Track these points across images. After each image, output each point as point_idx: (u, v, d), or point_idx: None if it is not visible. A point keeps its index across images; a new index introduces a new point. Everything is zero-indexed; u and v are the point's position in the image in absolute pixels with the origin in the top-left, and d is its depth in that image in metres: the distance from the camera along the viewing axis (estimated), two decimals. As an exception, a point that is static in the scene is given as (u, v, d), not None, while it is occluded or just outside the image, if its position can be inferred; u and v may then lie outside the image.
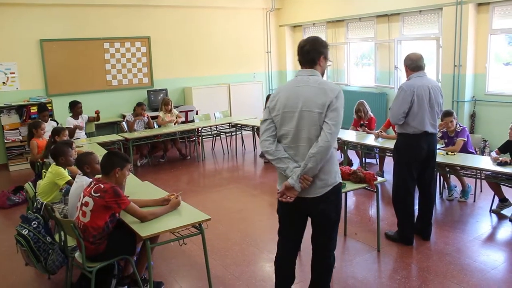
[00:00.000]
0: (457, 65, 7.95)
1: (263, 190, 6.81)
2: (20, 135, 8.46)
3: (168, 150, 8.77)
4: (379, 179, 4.45)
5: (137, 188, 4.44)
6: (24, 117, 8.50)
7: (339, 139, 7.09)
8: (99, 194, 3.32)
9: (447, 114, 5.95)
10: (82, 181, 3.86)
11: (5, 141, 8.45)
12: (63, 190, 4.73)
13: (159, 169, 8.20)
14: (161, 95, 9.85)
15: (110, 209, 3.34)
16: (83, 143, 7.19)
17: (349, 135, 7.10)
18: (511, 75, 8.09)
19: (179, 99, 10.44)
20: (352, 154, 7.88)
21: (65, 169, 4.68)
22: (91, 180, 3.82)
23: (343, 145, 6.98)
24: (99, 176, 3.62)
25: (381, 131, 6.64)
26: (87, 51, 9.26)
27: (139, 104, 8.37)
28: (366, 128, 7.48)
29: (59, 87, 9.01)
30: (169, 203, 3.74)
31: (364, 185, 4.28)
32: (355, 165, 7.63)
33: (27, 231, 3.58)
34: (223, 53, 11.02)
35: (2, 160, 8.66)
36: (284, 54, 11.93)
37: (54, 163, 4.65)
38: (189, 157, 9.00)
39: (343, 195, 3.42)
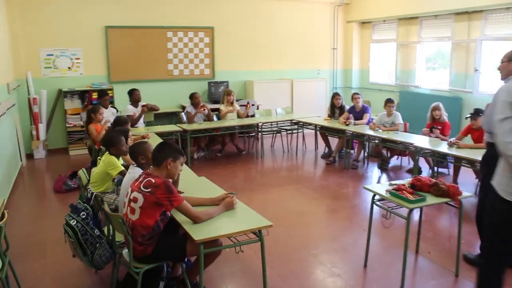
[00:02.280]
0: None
1: (324, 194, 6.35)
2: (81, 120, 8.44)
3: (226, 144, 8.48)
4: (464, 193, 3.89)
5: (192, 183, 4.12)
6: (86, 103, 8.49)
7: (410, 144, 6.53)
8: (149, 189, 3.01)
9: None
10: (135, 173, 3.57)
11: (67, 125, 8.46)
12: (116, 180, 4.50)
13: (215, 164, 7.92)
14: (222, 87, 9.58)
15: (161, 207, 3.02)
16: (141, 132, 7.01)
17: (421, 141, 6.50)
18: None
19: (240, 92, 10.13)
20: (420, 162, 7.27)
21: (118, 159, 4.44)
22: (144, 172, 3.53)
23: (415, 152, 6.41)
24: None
25: (457, 140, 6.00)
26: (150, 39, 9.14)
27: (193, 94, 8.11)
28: (439, 133, 6.83)
29: (121, 74, 8.94)
30: (222, 203, 3.39)
31: (446, 199, 3.74)
32: (424, 174, 7.02)
33: (75, 221, 3.34)
34: (287, 48, 10.61)
35: (63, 144, 8.69)
36: (351, 51, 11.35)
37: (107, 152, 4.43)
38: (244, 151, 8.67)
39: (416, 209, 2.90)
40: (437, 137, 6.76)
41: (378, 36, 10.91)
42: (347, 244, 4.61)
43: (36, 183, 7.14)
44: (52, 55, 8.47)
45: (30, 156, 8.25)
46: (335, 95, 8.34)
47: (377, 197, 3.96)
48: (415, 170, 6.64)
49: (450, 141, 6.03)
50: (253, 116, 8.97)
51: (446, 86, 9.16)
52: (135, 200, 3.05)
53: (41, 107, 8.26)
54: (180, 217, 3.16)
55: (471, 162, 5.56)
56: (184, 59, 9.49)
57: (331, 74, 11.38)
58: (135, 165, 3.71)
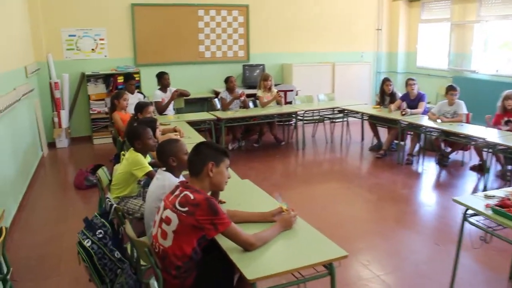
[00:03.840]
0: None
1: (380, 195, 5.51)
2: (105, 106, 7.77)
3: (264, 134, 7.69)
4: None
5: (233, 188, 3.31)
6: (111, 87, 7.80)
7: (479, 138, 5.61)
8: (186, 208, 2.25)
9: None
10: (165, 180, 2.82)
11: (91, 112, 7.80)
12: (142, 182, 3.77)
13: (252, 156, 7.14)
14: (258, 71, 8.77)
15: (202, 231, 2.26)
16: (170, 120, 6.28)
17: (491, 134, 5.58)
18: None
19: (277, 77, 9.26)
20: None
21: (145, 156, 3.70)
22: (176, 181, 2.77)
23: (487, 148, 5.50)
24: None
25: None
26: (180, 19, 8.35)
27: (228, 78, 7.31)
28: (514, 126, 5.90)
29: (148, 56, 8.20)
30: (278, 221, 2.62)
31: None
32: (492, 173, 6.10)
33: (90, 242, 2.62)
34: (328, 28, 9.68)
35: (86, 131, 8.06)
36: (397, 32, 10.33)
37: (132, 148, 3.69)
38: (283, 142, 7.86)
39: None
40: (510, 130, 5.83)
41: (428, 15, 9.87)
42: (421, 263, 3.78)
43: (56, 177, 6.50)
44: (74, 35, 7.78)
45: (51, 145, 7.63)
46: (385, 81, 7.43)
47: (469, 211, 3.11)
48: (485, 169, 5.72)
49: None
50: (290, 102, 8.13)
51: (510, 71, 8.13)
52: (167, 221, 2.29)
53: (63, 92, 7.62)
54: (224, 241, 2.39)
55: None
56: (217, 40, 8.68)
57: (375, 58, 10.41)
58: (164, 169, 2.95)
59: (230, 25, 8.73)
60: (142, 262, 2.67)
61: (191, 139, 5.15)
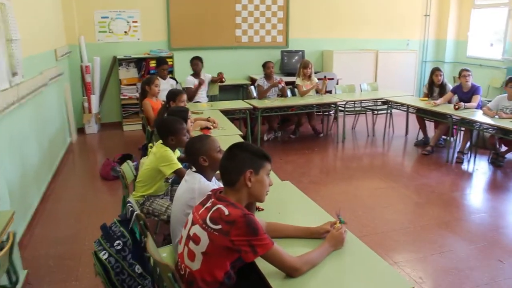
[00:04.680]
0: None
1: (430, 198, 5.00)
2: (137, 91, 7.46)
3: (302, 125, 7.24)
4: None
5: (272, 192, 2.84)
6: (143, 72, 7.49)
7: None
8: (220, 226, 1.85)
9: None
10: (194, 183, 2.44)
11: (121, 97, 7.51)
12: (170, 180, 3.41)
13: (289, 148, 6.71)
14: (296, 57, 8.29)
15: (237, 253, 1.86)
16: (203, 108, 5.90)
17: None
18: None
19: (317, 64, 8.77)
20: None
21: (174, 151, 3.33)
22: (208, 184, 2.40)
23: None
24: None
25: None
26: (217, 1, 7.92)
27: (266, 63, 6.87)
28: None
29: (182, 40, 7.83)
30: (327, 238, 2.20)
31: None
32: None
33: (107, 254, 2.27)
34: (371, 13, 9.08)
35: (117, 117, 7.79)
36: (447, 18, 9.62)
37: (161, 141, 3.32)
38: (322, 134, 7.40)
39: None
40: None
41: (483, 0, 9.13)
42: (482, 284, 3.30)
43: (84, 165, 6.24)
44: (107, 17, 7.48)
45: (81, 131, 7.40)
46: (435, 71, 6.83)
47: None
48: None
49: None
50: (330, 92, 7.63)
51: None
52: (196, 240, 1.90)
53: (94, 76, 7.34)
54: (263, 264, 1.99)
55: None
56: (254, 24, 8.23)
57: (421, 46, 9.75)
58: (194, 169, 2.57)
59: (269, 8, 8.25)
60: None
61: (225, 130, 4.77)
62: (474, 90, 6.44)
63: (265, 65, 6.81)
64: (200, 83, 6.53)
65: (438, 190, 5.28)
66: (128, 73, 7.51)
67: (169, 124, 3.30)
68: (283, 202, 2.87)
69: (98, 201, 4.76)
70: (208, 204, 1.97)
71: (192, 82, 6.61)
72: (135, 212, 2.37)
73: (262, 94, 6.76)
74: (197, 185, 2.43)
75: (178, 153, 3.43)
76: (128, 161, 3.51)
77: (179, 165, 3.18)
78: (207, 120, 4.87)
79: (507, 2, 8.45)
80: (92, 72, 7.29)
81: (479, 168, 5.99)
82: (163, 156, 3.18)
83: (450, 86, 6.81)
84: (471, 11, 9.32)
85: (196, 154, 2.53)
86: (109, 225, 2.42)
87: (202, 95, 6.77)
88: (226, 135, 4.52)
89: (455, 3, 9.51)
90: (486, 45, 9.34)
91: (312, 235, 2.29)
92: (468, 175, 5.80)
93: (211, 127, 4.75)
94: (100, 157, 6.38)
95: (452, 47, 9.77)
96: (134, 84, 7.52)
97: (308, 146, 6.84)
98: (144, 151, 4.49)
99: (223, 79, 6.90)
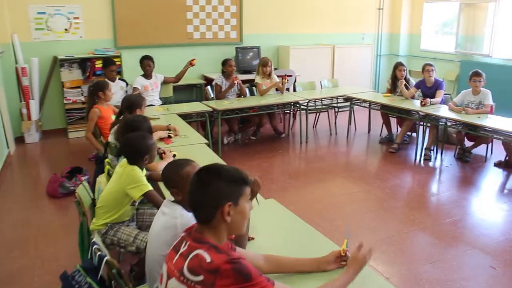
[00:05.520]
0: None
1: (408, 201, 4.81)
2: (82, 94, 6.81)
3: (263, 126, 6.86)
4: None
5: (257, 214, 2.33)
6: (88, 73, 6.83)
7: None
8: (201, 277, 1.45)
9: None
10: (176, 217, 2.02)
11: (65, 101, 6.82)
12: (136, 203, 2.94)
13: (251, 151, 6.30)
14: (252, 54, 7.90)
15: None
16: (159, 113, 5.39)
17: None
18: None
19: (272, 60, 8.35)
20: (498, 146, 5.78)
21: (143, 169, 2.86)
22: (192, 220, 1.96)
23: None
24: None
25: None
26: (166, -5, 7.37)
27: (226, 61, 6.44)
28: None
29: (130, 38, 7.21)
30: (349, 264, 1.87)
31: None
32: None
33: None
34: (326, 7, 8.82)
35: (60, 124, 7.08)
36: (400, 12, 9.54)
37: (125, 160, 2.84)
38: (284, 134, 7.05)
39: None
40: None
41: (435, -6, 9.10)
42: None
43: (26, 180, 5.52)
44: (44, 13, 6.74)
45: (20, 140, 6.64)
46: (398, 66, 6.64)
47: None
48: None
49: None
50: (287, 89, 7.27)
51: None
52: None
53: (32, 79, 6.61)
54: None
55: None
56: (207, 20, 7.74)
57: (376, 39, 9.62)
58: (172, 199, 2.12)
59: (222, 2, 7.78)
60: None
61: (188, 138, 4.30)
62: (437, 85, 6.32)
63: (225, 63, 6.38)
64: (233, 80, 6.30)
65: (414, 191, 5.09)
66: (71, 75, 6.82)
67: (138, 144, 2.81)
68: (274, 226, 2.50)
69: (47, 225, 4.14)
70: (184, 249, 1.56)
71: (140, 82, 6.09)
72: (105, 258, 1.89)
73: (220, 95, 6.32)
74: (179, 220, 2.00)
75: (145, 170, 2.94)
76: (84, 182, 2.98)
77: (149, 187, 2.71)
78: (167, 128, 4.37)
79: (459, -5, 8.45)
80: (30, 74, 6.56)
81: (449, 165, 5.86)
82: (131, 177, 2.70)
83: (413, 81, 6.65)
84: (423, 5, 9.27)
85: (176, 183, 2.10)
86: (71, 274, 1.93)
87: (154, 97, 6.25)
88: (190, 145, 4.08)
89: (407, -4, 9.46)
90: (439, 38, 9.35)
91: (320, 267, 1.93)
92: (439, 173, 5.65)
93: (172, 135, 4.27)
94: (44, 170, 5.73)
95: (406, 40, 9.72)
96: (79, 87, 6.85)
97: (271, 148, 6.47)
98: (99, 166, 3.96)
99: (193, 63, 6.51)
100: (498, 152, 5.93)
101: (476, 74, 5.77)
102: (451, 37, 8.94)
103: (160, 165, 3.24)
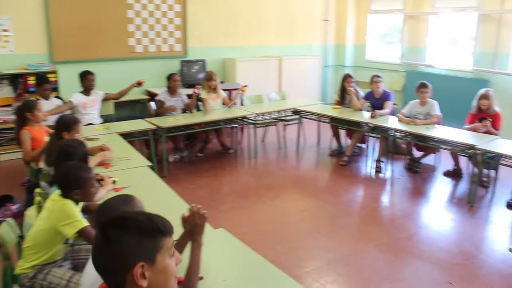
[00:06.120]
0: None
1: (361, 216, 4.72)
2: (14, 113, 6.28)
3: (210, 142, 6.60)
4: None
5: (207, 247, 2.07)
6: (20, 90, 6.33)
7: (469, 146, 4.95)
8: None
9: None
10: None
11: (-6, 121, 6.30)
12: (70, 241, 2.62)
13: (198, 169, 6.02)
14: (197, 67, 7.65)
15: None
16: (98, 132, 5.03)
17: (469, 137, 5.12)
18: None
19: (219, 73, 8.11)
20: (445, 155, 5.92)
21: (77, 204, 2.55)
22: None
23: (472, 154, 4.83)
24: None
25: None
26: (106, 7, 6.96)
27: (171, 76, 6.16)
28: (490, 127, 5.31)
29: (67, 52, 6.76)
30: (191, 232, 1.93)
31: None
32: (466, 177, 5.54)
33: None
34: (273, 19, 8.72)
35: (-10, 145, 6.52)
36: (345, 23, 9.61)
37: (58, 192, 2.52)
38: (232, 150, 6.82)
39: None
40: (487, 132, 5.26)
41: (378, 6, 9.22)
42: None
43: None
44: (-32, 25, 6.23)
45: None
46: (346, 77, 6.59)
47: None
48: (477, 177, 5.07)
49: None
50: (235, 103, 7.06)
51: (468, 66, 7.65)
52: None
53: (-44, 97, 6.07)
54: None
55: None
56: (150, 32, 7.41)
57: (323, 50, 9.62)
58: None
59: (165, 15, 7.49)
60: None
61: (129, 161, 3.99)
62: (386, 96, 6.32)
63: (170, 78, 6.09)
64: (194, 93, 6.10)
65: (367, 206, 5.00)
66: (1, 92, 6.31)
67: (70, 175, 2.49)
68: (225, 261, 2.28)
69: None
70: None
71: (78, 100, 5.72)
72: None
73: (161, 111, 6.01)
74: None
75: (80, 204, 2.63)
76: (9, 219, 2.63)
77: (84, 222, 2.41)
78: (100, 148, 4.00)
79: (401, 8, 8.57)
80: (-46, 92, 6.02)
81: (400, 177, 5.82)
82: (63, 212, 2.39)
83: (362, 93, 6.63)
84: (367, 16, 9.37)
85: None
86: None
87: (94, 115, 5.87)
88: (132, 168, 3.76)
89: (352, 8, 9.54)
90: (384, 49, 9.49)
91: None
92: (391, 185, 5.60)
93: (109, 158, 3.93)
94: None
95: (352, 51, 9.79)
96: (10, 105, 6.34)
97: (219, 165, 6.22)
98: (30, 195, 3.58)
99: (141, 82, 6.20)
100: (447, 161, 5.97)
101: (423, 86, 5.81)
102: (394, 47, 9.08)
103: (98, 194, 2.94)
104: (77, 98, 5.74)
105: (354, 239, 4.15)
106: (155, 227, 1.33)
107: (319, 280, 3.39)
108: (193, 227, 1.96)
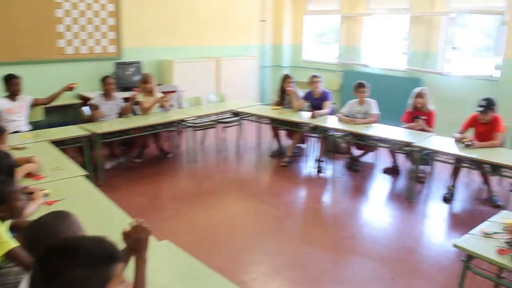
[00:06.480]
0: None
1: (305, 218, 4.71)
2: None
3: (148, 147, 6.37)
4: None
5: (151, 262, 1.95)
6: None
7: (407, 144, 5.08)
8: None
9: None
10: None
11: None
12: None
13: (136, 175, 5.78)
14: (133, 69, 7.39)
15: None
16: (26, 141, 4.70)
17: (406, 135, 5.28)
18: None
19: (155, 75, 7.89)
20: (384, 153, 6.08)
21: (3, 222, 2.32)
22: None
23: (409, 151, 4.96)
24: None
25: (472, 140, 4.75)
26: (31, 5, 6.54)
27: (105, 78, 5.88)
28: (424, 125, 5.50)
29: (-12, 54, 6.32)
30: (134, 247, 1.83)
31: None
32: (404, 174, 5.71)
33: None
34: (211, 19, 8.60)
35: None
36: (282, 24, 9.66)
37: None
38: (171, 154, 6.63)
39: None
40: (422, 129, 5.44)
41: (315, 6, 9.33)
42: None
43: None
44: None
45: None
46: (286, 78, 6.60)
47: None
48: (414, 174, 5.21)
49: (463, 139, 4.77)
50: (172, 105, 6.87)
51: (402, 66, 7.90)
52: None
53: None
54: None
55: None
56: (81, 33, 7.05)
57: (260, 51, 9.61)
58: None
59: (98, 15, 7.15)
60: None
61: (62, 170, 3.73)
62: (324, 96, 6.38)
63: (104, 81, 5.81)
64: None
65: (310, 206, 5.01)
66: None
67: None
68: (172, 276, 2.14)
69: None
70: None
71: (2, 105, 5.32)
72: None
73: (94, 116, 5.72)
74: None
75: (7, 222, 2.40)
76: None
77: (13, 244, 2.18)
78: (28, 160, 3.71)
79: (338, 9, 8.71)
80: None
81: (341, 176, 5.89)
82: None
83: (301, 93, 6.65)
84: (304, 17, 9.45)
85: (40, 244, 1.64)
86: None
87: (21, 122, 5.49)
88: (65, 179, 3.52)
89: (289, 9, 9.60)
90: (321, 48, 9.63)
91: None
92: (332, 185, 5.64)
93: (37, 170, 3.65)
94: None
95: (289, 51, 9.85)
96: None
97: (158, 170, 6.02)
98: None
99: (73, 87, 5.84)
100: (385, 159, 6.11)
101: (361, 85, 5.91)
102: (330, 48, 9.24)
103: (28, 210, 2.71)
104: (1, 103, 5.35)
105: (298, 241, 4.12)
106: (106, 254, 1.17)
107: (266, 286, 3.33)
108: (136, 242, 1.84)
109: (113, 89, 5.87)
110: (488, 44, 7.29)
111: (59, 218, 1.72)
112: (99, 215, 2.83)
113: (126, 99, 6.05)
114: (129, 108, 5.96)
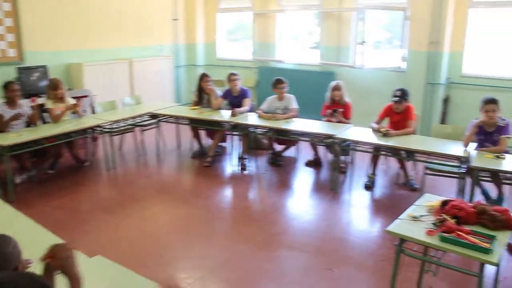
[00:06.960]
0: (434, 42, 6.60)
1: (235, 217, 4.69)
2: None
3: (62, 156, 5.96)
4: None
5: (87, 281, 1.81)
6: None
7: (328, 136, 5.20)
8: None
9: (491, 101, 4.41)
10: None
11: None
12: None
13: (52, 188, 5.37)
14: (38, 74, 6.89)
15: None
16: None
17: (326, 128, 5.43)
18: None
19: (64, 80, 7.40)
20: (305, 146, 6.20)
21: None
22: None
23: (331, 143, 5.08)
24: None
25: (388, 129, 4.97)
26: None
27: (8, 85, 5.42)
28: (341, 117, 5.69)
29: None
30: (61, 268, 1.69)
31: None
32: (326, 165, 5.90)
33: None
34: (121, 19, 8.22)
35: None
36: (195, 22, 9.50)
37: None
38: (87, 162, 6.27)
39: None
40: (340, 121, 5.61)
41: (227, 4, 9.30)
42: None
43: None
44: None
45: None
46: (203, 77, 6.50)
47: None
48: (336, 165, 5.34)
49: (380, 129, 4.98)
50: (85, 111, 6.50)
51: (316, 60, 8.10)
52: None
53: None
54: None
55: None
56: (-25, 36, 6.46)
57: (174, 50, 9.40)
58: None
59: (-8, 15, 6.58)
60: None
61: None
62: (243, 94, 6.37)
63: (7, 87, 5.33)
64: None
65: (238, 205, 4.99)
66: None
67: None
68: None
69: None
70: None
71: None
72: None
73: (2, 125, 5.27)
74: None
75: None
76: None
77: None
78: None
79: (250, 6, 8.73)
80: None
81: (265, 172, 5.91)
82: None
83: (219, 92, 6.57)
84: (216, 15, 9.39)
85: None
86: None
87: None
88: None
89: (201, 7, 9.47)
90: (235, 46, 9.64)
91: None
92: (258, 182, 5.64)
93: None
94: None
95: (203, 50, 9.74)
96: None
97: (75, 181, 5.65)
98: None
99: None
100: (306, 152, 6.22)
101: (280, 82, 5.97)
102: (244, 45, 9.26)
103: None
104: None
105: (232, 241, 4.06)
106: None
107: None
108: (63, 262, 1.67)
109: (18, 96, 5.43)
110: (395, 38, 7.67)
111: (4, 241, 1.61)
112: (18, 235, 2.56)
113: (33, 107, 5.62)
114: (36, 116, 5.54)
